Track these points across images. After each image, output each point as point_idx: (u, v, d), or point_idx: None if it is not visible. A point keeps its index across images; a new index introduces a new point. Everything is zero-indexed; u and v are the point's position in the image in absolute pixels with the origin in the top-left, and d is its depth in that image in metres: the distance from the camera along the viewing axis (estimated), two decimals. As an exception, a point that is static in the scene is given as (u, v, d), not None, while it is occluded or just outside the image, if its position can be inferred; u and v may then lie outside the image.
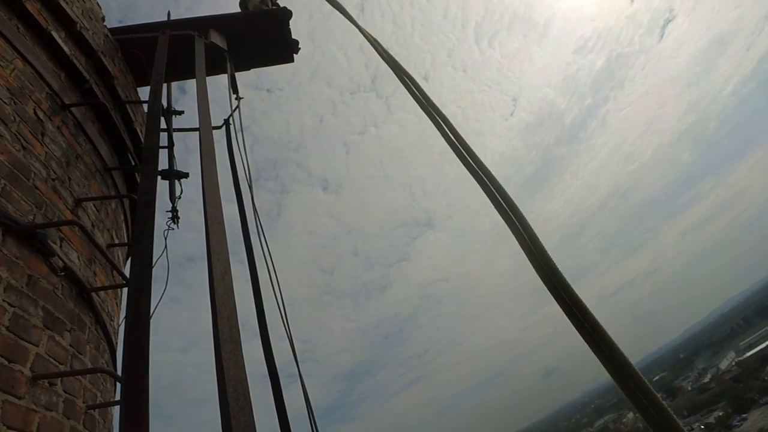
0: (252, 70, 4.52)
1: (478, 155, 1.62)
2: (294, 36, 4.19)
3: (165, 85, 3.94)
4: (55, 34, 2.41)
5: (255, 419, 1.14)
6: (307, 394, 2.33)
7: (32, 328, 1.71)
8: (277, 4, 4.12)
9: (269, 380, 2.43)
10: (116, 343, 2.71)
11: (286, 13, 4.04)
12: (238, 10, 4.14)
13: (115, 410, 2.51)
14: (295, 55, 4.21)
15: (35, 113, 2.14)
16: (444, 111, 1.98)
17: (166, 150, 3.64)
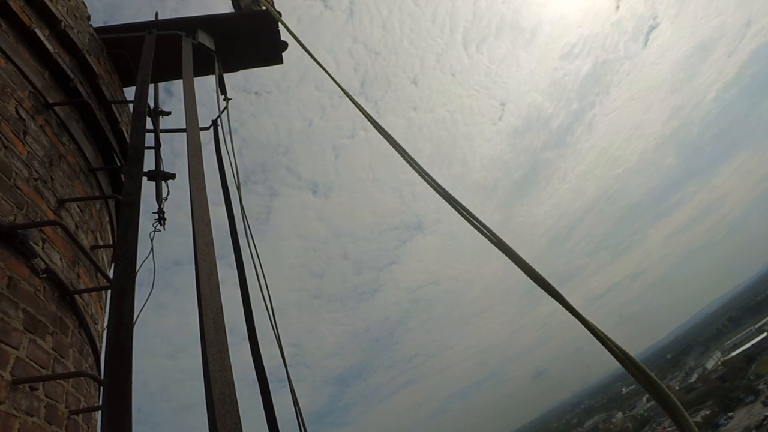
0: (240, 72, 4.49)
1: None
2: (283, 38, 4.17)
3: (152, 86, 3.89)
4: (38, 32, 2.37)
5: (243, 423, 1.12)
6: (296, 397, 2.31)
7: (12, 330, 1.67)
8: (272, 2, 4.09)
9: (258, 385, 2.40)
10: (100, 347, 2.66)
11: (275, 15, 4.01)
12: (226, 11, 4.11)
13: (100, 415, 2.46)
14: (283, 53, 4.19)
15: (17, 112, 2.09)
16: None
17: (153, 151, 3.59)
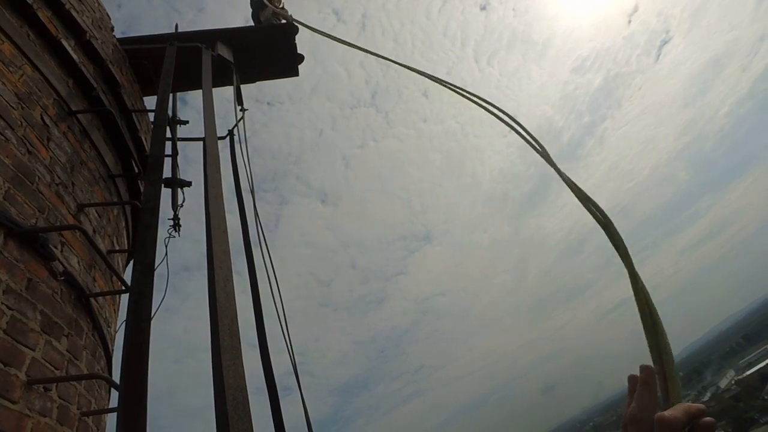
0: (254, 83, 4.57)
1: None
2: (300, 51, 4.24)
3: (170, 96, 3.98)
4: (64, 42, 2.45)
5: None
6: (306, 407, 2.31)
7: (30, 331, 1.71)
8: (289, 16, 4.17)
9: (266, 392, 2.40)
10: (113, 349, 2.70)
11: (293, 29, 4.10)
12: (241, 23, 4.20)
13: (109, 418, 2.48)
14: (299, 66, 4.26)
15: (42, 118, 2.16)
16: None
17: (170, 159, 3.66)
